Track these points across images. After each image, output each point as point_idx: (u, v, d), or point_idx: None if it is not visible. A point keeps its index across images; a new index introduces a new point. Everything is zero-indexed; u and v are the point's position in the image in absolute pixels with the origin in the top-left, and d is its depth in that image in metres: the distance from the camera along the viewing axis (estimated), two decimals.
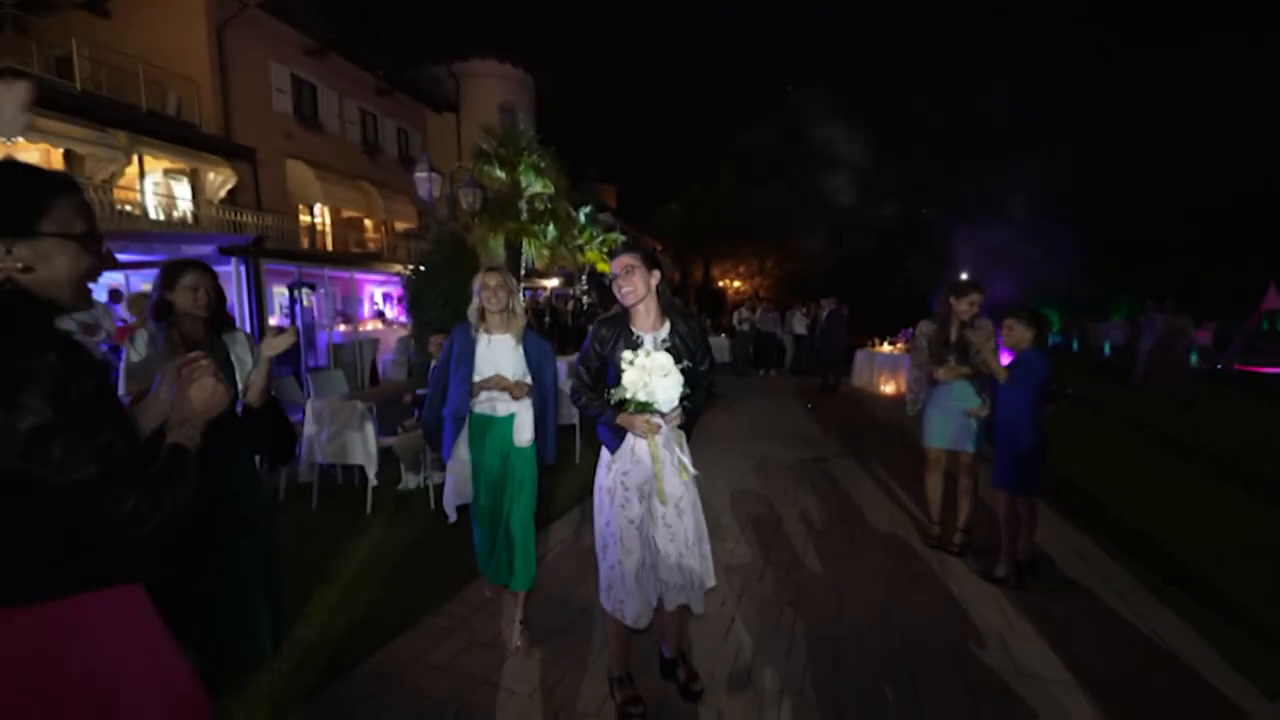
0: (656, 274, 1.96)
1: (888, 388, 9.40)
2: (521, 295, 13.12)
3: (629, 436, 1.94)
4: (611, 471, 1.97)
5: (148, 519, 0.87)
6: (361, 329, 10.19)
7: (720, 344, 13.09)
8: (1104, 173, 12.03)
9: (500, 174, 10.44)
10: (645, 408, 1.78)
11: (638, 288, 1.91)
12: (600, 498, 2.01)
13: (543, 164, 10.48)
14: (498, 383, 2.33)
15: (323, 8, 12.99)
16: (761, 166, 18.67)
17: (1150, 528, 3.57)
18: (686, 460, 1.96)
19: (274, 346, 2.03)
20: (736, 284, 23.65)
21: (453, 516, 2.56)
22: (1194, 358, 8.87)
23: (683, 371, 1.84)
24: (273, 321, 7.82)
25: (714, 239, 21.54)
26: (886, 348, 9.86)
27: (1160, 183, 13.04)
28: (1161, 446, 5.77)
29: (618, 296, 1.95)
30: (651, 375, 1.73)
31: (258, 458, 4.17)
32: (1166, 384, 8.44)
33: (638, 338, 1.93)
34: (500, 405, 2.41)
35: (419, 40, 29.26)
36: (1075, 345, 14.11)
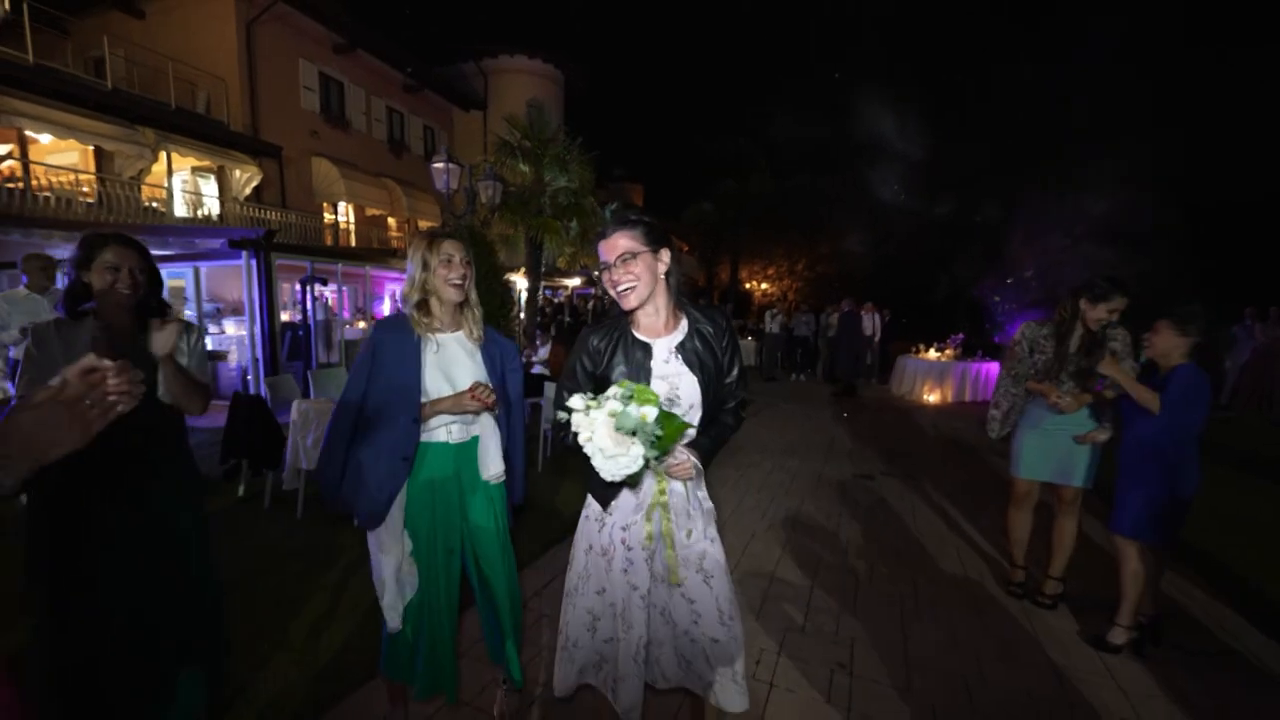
0: (666, 255, 1.38)
1: (931, 397, 8.69)
2: (541, 293, 12.86)
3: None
4: (606, 526, 1.44)
5: None
6: None
7: (746, 347, 12.50)
8: (1177, 167, 10.90)
9: (524, 168, 10.09)
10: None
11: (641, 281, 1.34)
12: (591, 561, 1.47)
13: (567, 156, 10.09)
14: (461, 404, 1.59)
15: (352, 5, 12.99)
16: (799, 161, 17.93)
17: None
18: (701, 518, 1.44)
19: (160, 345, 1.60)
20: (764, 286, 22.91)
21: (396, 624, 1.67)
22: None
23: (705, 394, 1.35)
24: (284, 317, 7.62)
25: (743, 239, 20.88)
26: (932, 354, 9.12)
27: (1241, 176, 11.78)
28: (1270, 478, 4.95)
29: (613, 295, 1.38)
30: (595, 432, 1.16)
31: (241, 469, 3.86)
32: (1263, 404, 7.48)
33: (645, 345, 1.39)
34: (456, 428, 1.69)
35: (448, 37, 29.48)
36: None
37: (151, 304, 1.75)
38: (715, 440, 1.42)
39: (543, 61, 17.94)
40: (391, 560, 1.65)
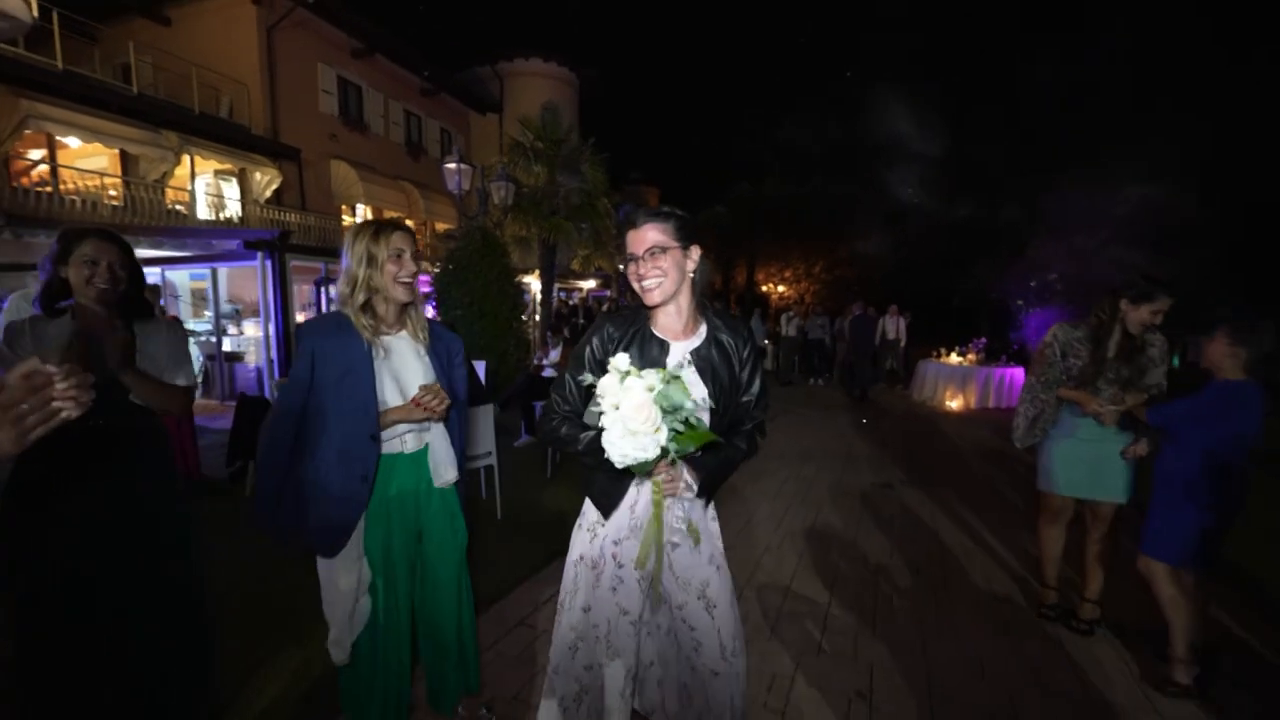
0: (695, 253, 1.30)
1: (954, 403, 8.43)
2: (555, 295, 12.82)
3: (632, 490, 1.32)
4: (598, 538, 1.35)
5: None
6: None
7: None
8: (1209, 166, 10.41)
9: (538, 169, 10.07)
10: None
11: (669, 278, 1.25)
12: (580, 573, 1.38)
13: (579, 157, 10.05)
14: (412, 414, 1.48)
15: (370, 10, 13.15)
16: (815, 164, 17.71)
17: None
18: (712, 538, 1.35)
19: (110, 360, 1.48)
20: (781, 289, 22.66)
21: (343, 659, 1.56)
22: None
23: (716, 408, 1.25)
24: (300, 318, 7.67)
25: (760, 241, 20.70)
26: (954, 358, 8.86)
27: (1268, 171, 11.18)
28: None
29: (637, 290, 1.28)
30: (624, 402, 1.07)
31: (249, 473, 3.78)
32: None
33: (662, 343, 1.30)
34: (411, 437, 1.56)
35: (464, 40, 29.87)
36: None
37: (133, 301, 1.69)
38: (722, 463, 1.30)
39: (558, 65, 18.00)
40: (349, 590, 1.52)
